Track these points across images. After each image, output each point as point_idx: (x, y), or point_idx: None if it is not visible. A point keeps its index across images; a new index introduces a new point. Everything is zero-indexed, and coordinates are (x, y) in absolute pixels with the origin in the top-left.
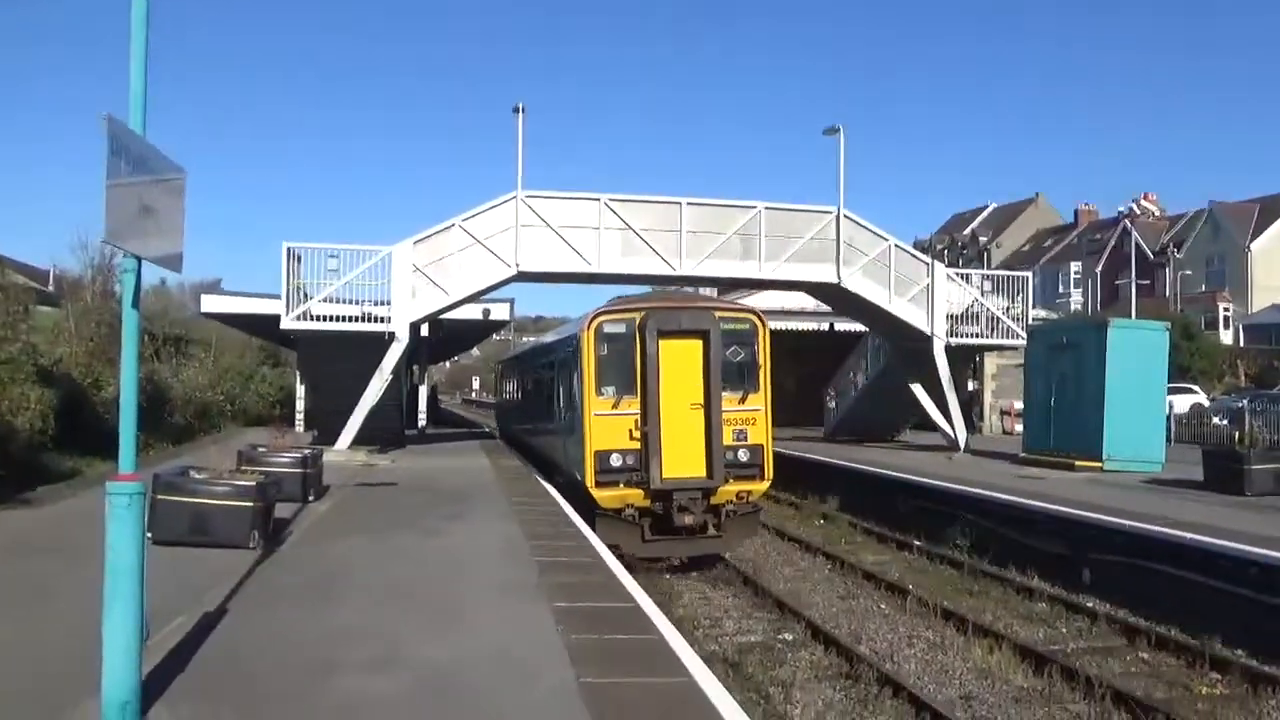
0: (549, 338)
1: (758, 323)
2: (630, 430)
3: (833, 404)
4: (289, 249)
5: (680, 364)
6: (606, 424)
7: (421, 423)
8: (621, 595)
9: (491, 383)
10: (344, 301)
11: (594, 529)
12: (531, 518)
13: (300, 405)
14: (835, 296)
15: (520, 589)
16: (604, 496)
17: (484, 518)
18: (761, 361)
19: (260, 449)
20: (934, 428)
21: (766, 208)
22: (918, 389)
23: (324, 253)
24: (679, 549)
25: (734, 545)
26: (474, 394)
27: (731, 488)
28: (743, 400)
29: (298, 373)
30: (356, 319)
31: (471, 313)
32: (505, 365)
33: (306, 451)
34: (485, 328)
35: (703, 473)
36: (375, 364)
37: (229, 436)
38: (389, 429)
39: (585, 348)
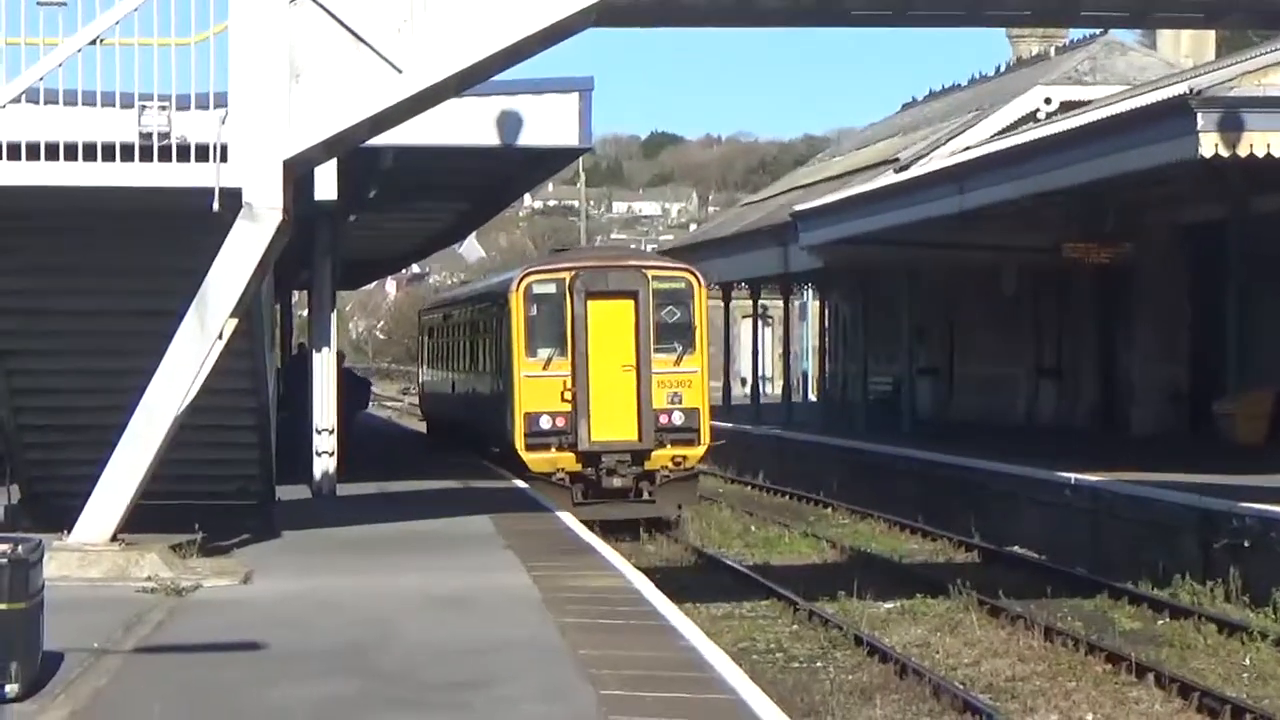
0: (468, 291)
1: (693, 281)
2: (561, 392)
3: None
4: None
5: (610, 325)
6: (536, 386)
7: (323, 463)
8: None
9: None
10: (90, 102)
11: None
12: None
13: None
14: None
15: None
16: (534, 460)
17: None
18: (698, 322)
19: None
20: None
21: None
22: None
23: None
24: (609, 512)
25: (667, 511)
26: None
27: (666, 452)
28: (678, 361)
29: None
30: (127, 155)
31: (465, 130)
32: (425, 322)
33: None
34: (504, 173)
35: (633, 435)
36: (180, 292)
37: None
38: (232, 483)
39: (514, 308)
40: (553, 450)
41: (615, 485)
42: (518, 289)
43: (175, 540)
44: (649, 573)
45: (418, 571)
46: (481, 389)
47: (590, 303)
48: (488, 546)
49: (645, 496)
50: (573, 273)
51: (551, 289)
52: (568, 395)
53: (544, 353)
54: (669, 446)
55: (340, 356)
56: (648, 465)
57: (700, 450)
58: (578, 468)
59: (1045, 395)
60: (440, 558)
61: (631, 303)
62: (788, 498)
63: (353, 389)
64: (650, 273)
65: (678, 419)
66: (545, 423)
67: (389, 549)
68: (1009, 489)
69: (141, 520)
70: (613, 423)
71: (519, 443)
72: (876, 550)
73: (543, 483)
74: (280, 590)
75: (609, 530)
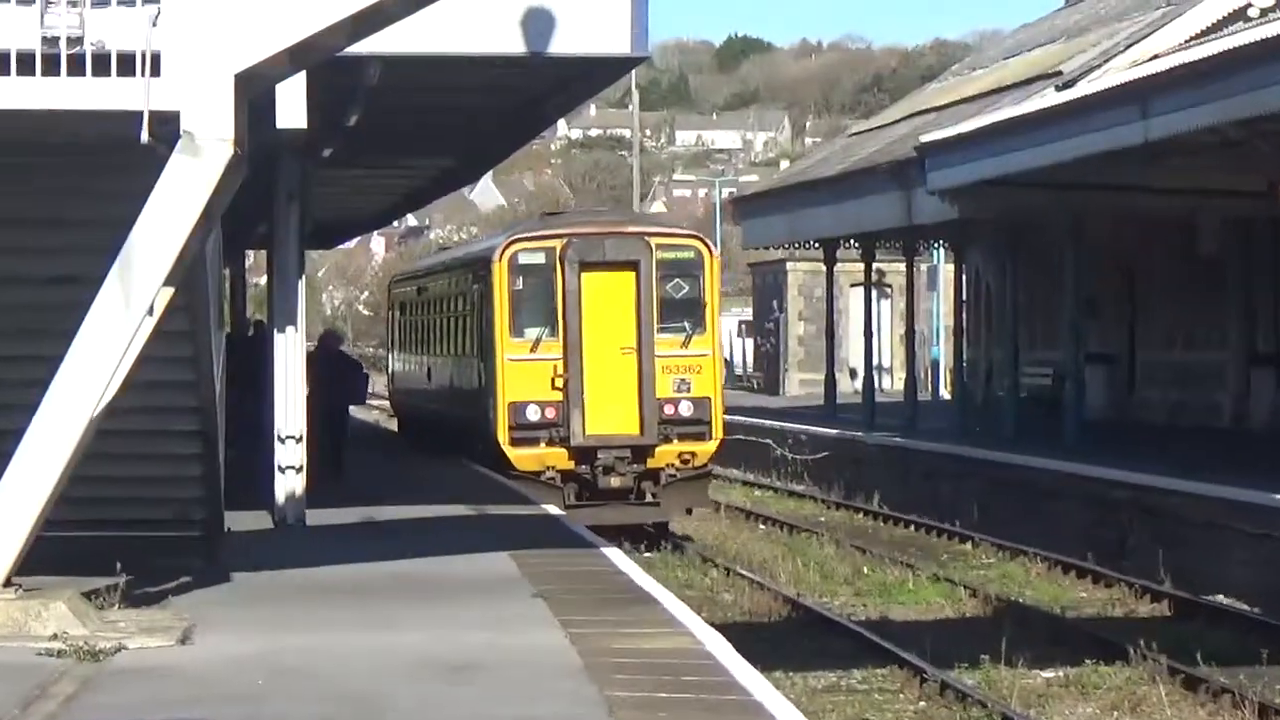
0: (445, 259)
1: (704, 249)
2: (551, 379)
3: None
4: None
5: (607, 300)
6: (523, 371)
7: (288, 482)
8: None
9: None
10: None
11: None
12: None
13: None
14: None
15: None
16: (520, 457)
17: None
18: (709, 298)
19: None
20: None
21: None
22: None
23: None
24: (607, 516)
25: (674, 514)
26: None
27: (672, 448)
28: (686, 343)
29: None
30: (26, 68)
31: (478, 34)
32: (395, 295)
33: None
34: (530, 91)
35: (634, 429)
36: (98, 251)
37: None
38: (166, 507)
39: (497, 281)
40: (541, 445)
41: (613, 485)
42: (501, 258)
43: (90, 585)
44: (726, 630)
45: (414, 628)
46: (460, 375)
47: (585, 275)
48: (510, 594)
49: (648, 498)
50: (564, 240)
51: (540, 259)
52: (559, 382)
53: (531, 333)
54: (675, 441)
55: (336, 339)
56: (650, 463)
57: (712, 446)
58: (570, 465)
59: (1260, 390)
60: (445, 609)
61: (632, 275)
62: (911, 529)
63: (345, 379)
64: (654, 240)
65: (685, 410)
66: (533, 414)
67: (376, 597)
68: (1211, 517)
69: (45, 558)
70: (610, 414)
71: (502, 437)
72: (1031, 599)
73: (529, 483)
74: (229, 653)
75: (611, 536)
